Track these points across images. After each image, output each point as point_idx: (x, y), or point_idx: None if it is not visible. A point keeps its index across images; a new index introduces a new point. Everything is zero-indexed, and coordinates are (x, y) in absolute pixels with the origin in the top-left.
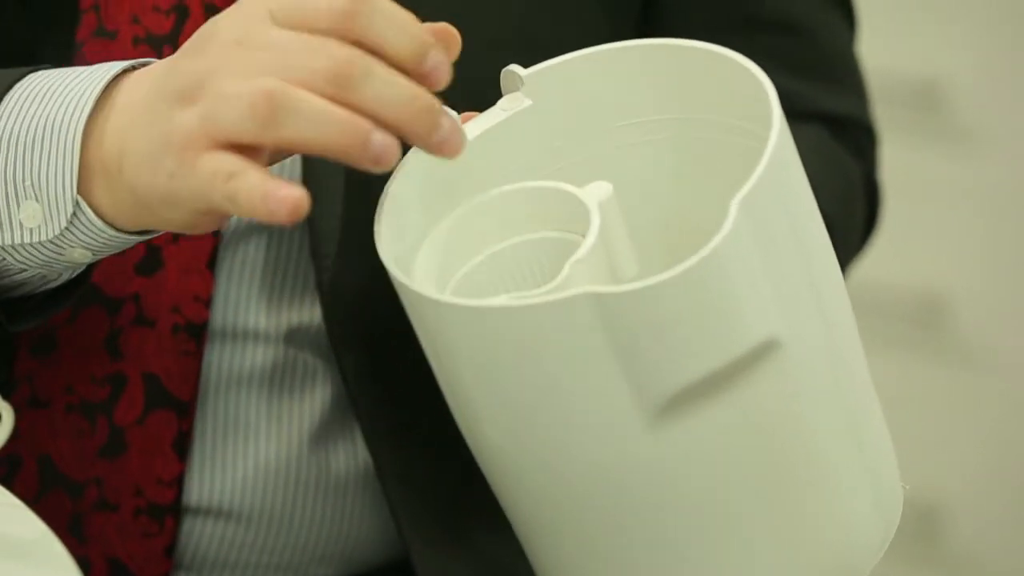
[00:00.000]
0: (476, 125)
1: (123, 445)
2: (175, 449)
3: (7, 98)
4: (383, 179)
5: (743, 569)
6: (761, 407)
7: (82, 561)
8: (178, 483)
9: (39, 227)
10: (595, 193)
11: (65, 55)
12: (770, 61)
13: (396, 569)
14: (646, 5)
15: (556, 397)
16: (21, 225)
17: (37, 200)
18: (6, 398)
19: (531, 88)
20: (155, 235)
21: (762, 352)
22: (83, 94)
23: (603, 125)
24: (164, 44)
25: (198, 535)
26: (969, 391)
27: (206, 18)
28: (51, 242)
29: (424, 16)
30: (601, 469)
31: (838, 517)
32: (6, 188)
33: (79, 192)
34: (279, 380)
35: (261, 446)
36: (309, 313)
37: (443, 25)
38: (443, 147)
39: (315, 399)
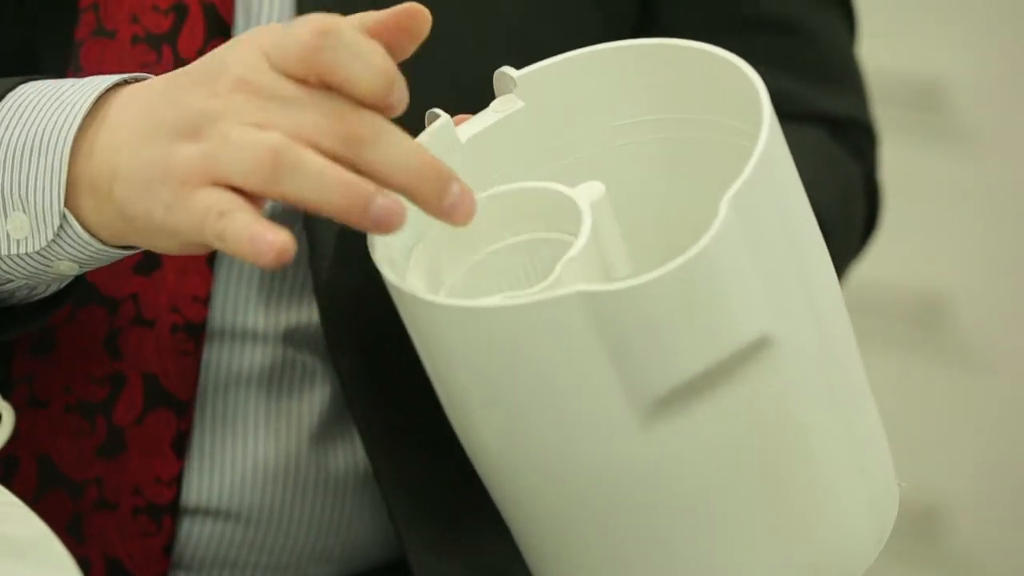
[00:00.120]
0: (469, 127)
1: (122, 445)
2: (174, 449)
3: None
4: None
5: (737, 568)
6: (754, 406)
7: (81, 561)
8: (177, 483)
9: (26, 239)
10: (587, 193)
11: (64, 55)
12: (769, 62)
13: (394, 569)
14: (644, 6)
15: (549, 396)
16: (8, 236)
17: (24, 212)
18: (6, 398)
19: (524, 89)
20: (140, 250)
21: (754, 350)
22: (73, 107)
23: (597, 126)
24: (163, 43)
25: (196, 535)
26: (969, 391)
27: (205, 17)
28: (38, 254)
29: None
30: (594, 468)
31: (832, 516)
32: None
33: (66, 205)
34: (277, 380)
35: (259, 446)
36: (307, 313)
37: (413, 5)
38: (453, 213)
39: (313, 399)
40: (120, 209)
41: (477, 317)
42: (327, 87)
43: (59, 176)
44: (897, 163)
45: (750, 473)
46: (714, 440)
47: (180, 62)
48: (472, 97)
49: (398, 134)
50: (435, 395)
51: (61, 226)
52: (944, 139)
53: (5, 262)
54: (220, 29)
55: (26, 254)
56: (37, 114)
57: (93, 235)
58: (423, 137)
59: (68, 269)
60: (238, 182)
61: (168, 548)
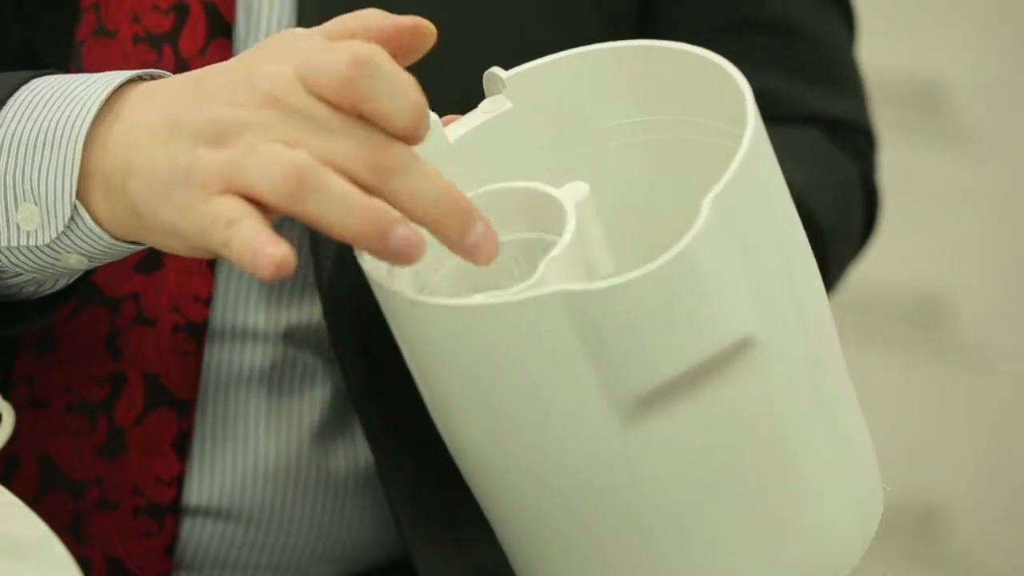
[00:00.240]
0: (457, 128)
1: (123, 445)
2: (175, 448)
3: (10, 102)
4: None
5: (721, 569)
6: (737, 407)
7: (82, 560)
8: (178, 482)
9: (36, 230)
10: (572, 193)
11: (65, 54)
12: (769, 62)
13: (395, 568)
14: (644, 6)
15: (531, 396)
16: (18, 227)
17: (35, 203)
18: (6, 398)
19: (512, 90)
20: (147, 247)
21: (736, 351)
22: (87, 100)
23: (585, 127)
24: (164, 43)
25: (198, 534)
26: (969, 391)
27: (206, 17)
28: (48, 246)
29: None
30: (576, 468)
31: (817, 517)
32: (6, 191)
33: (78, 198)
34: (278, 379)
35: (260, 445)
36: (308, 312)
37: (420, 21)
38: (476, 252)
39: (314, 398)
40: (132, 205)
41: (459, 316)
42: (358, 114)
43: (72, 168)
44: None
45: (733, 474)
46: (696, 441)
47: (181, 62)
48: (472, 97)
49: (427, 167)
50: None
51: (72, 218)
52: (944, 139)
53: (14, 254)
54: (221, 29)
55: (35, 246)
56: (50, 108)
57: (104, 229)
58: None
59: (77, 263)
60: (260, 194)
61: (169, 548)
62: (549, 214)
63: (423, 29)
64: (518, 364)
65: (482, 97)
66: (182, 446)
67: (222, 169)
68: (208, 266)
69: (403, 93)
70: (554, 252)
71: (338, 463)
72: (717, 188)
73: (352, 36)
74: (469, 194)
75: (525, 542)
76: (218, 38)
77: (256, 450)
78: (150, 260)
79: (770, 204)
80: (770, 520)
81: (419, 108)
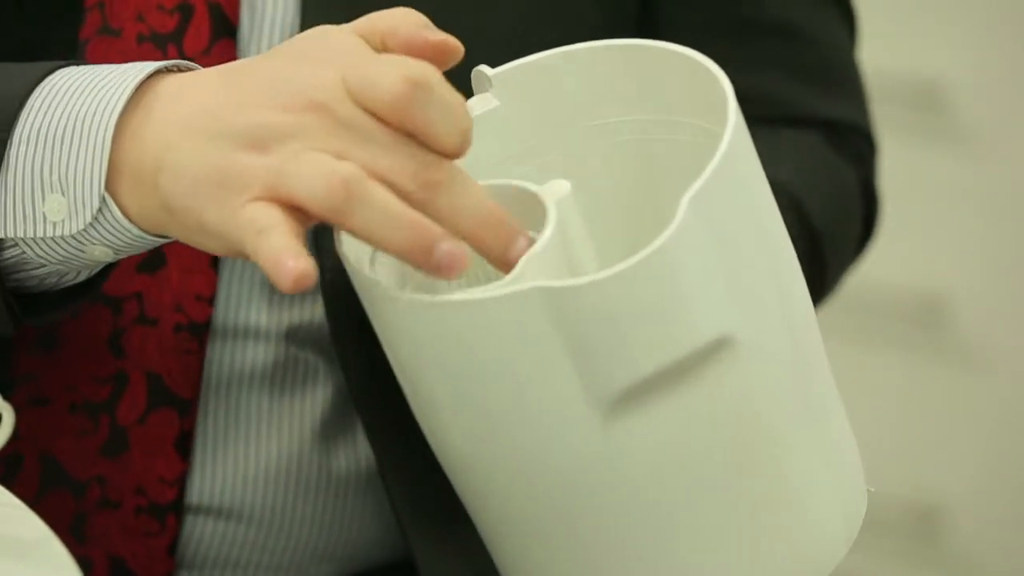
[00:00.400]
0: None
1: (125, 444)
2: (177, 448)
3: (36, 92)
4: None
5: (704, 568)
6: (716, 406)
7: (84, 560)
8: (180, 482)
9: (63, 221)
10: (553, 191)
11: (69, 54)
12: (768, 64)
13: (397, 568)
14: (645, 6)
15: (510, 393)
16: (45, 218)
17: (63, 194)
18: (7, 397)
19: (499, 88)
20: (172, 240)
21: (714, 350)
22: (115, 91)
23: (570, 126)
24: (168, 42)
25: (200, 534)
26: (969, 391)
27: (210, 17)
28: (73, 238)
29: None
30: (557, 466)
31: (801, 517)
32: (32, 181)
33: (106, 190)
34: (280, 378)
35: (263, 445)
36: (310, 311)
37: (450, 41)
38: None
39: (316, 397)
40: (164, 201)
41: (438, 311)
42: (404, 130)
43: (100, 159)
44: (897, 163)
45: (714, 473)
46: (676, 440)
47: None
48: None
49: (470, 182)
50: None
51: (100, 210)
52: (944, 139)
53: (39, 245)
54: (226, 29)
55: (61, 237)
56: (77, 98)
57: (132, 222)
58: None
59: (102, 255)
60: (302, 203)
61: (172, 548)
62: (531, 211)
63: (453, 50)
64: (497, 360)
65: None
66: (184, 445)
67: (264, 176)
68: (211, 265)
69: (455, 118)
70: (534, 249)
71: (340, 462)
72: (695, 187)
73: (380, 36)
74: None
75: (509, 542)
76: (222, 38)
77: (258, 449)
78: (153, 260)
79: (752, 204)
80: (753, 519)
81: (468, 131)
